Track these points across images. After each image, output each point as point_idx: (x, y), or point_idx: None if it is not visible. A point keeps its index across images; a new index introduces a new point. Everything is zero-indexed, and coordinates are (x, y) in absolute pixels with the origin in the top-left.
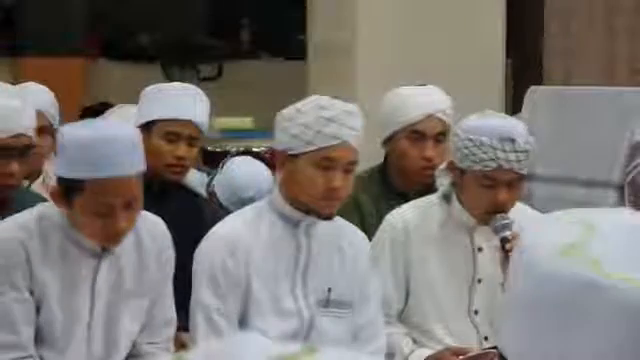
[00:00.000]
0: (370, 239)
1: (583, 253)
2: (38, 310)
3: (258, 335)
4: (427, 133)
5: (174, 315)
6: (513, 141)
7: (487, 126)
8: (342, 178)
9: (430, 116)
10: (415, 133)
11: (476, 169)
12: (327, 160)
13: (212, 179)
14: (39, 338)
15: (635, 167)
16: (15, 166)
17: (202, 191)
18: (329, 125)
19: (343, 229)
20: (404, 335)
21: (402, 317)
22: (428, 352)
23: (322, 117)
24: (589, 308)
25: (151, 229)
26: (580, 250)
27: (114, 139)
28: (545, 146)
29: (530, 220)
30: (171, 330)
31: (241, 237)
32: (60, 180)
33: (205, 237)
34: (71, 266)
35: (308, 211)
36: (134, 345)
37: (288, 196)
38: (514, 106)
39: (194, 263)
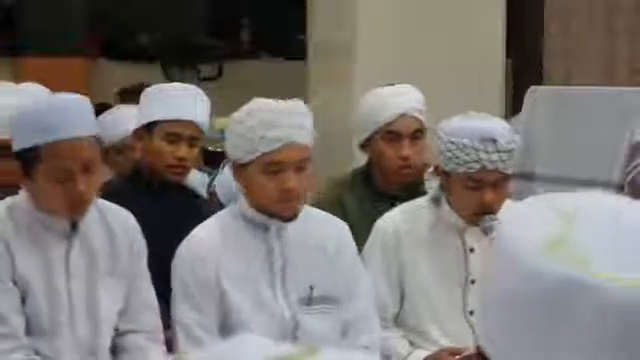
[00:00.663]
0: (355, 241)
1: (567, 249)
2: (23, 301)
3: (257, 336)
4: (402, 132)
5: (154, 302)
6: (495, 141)
7: (468, 128)
8: (295, 178)
9: (403, 115)
10: (390, 133)
11: (460, 171)
12: (274, 164)
13: (213, 179)
14: (27, 330)
15: (635, 167)
16: None
17: (203, 191)
18: (270, 129)
19: (325, 222)
20: (400, 338)
21: (398, 321)
22: (425, 354)
23: (263, 121)
24: (575, 307)
25: (122, 222)
26: (564, 246)
27: (58, 104)
28: (545, 146)
29: (507, 211)
30: (153, 318)
31: (212, 243)
32: (17, 155)
33: (181, 244)
34: (44, 249)
35: (271, 214)
36: (118, 335)
37: (251, 201)
38: (514, 106)
39: (171, 270)
